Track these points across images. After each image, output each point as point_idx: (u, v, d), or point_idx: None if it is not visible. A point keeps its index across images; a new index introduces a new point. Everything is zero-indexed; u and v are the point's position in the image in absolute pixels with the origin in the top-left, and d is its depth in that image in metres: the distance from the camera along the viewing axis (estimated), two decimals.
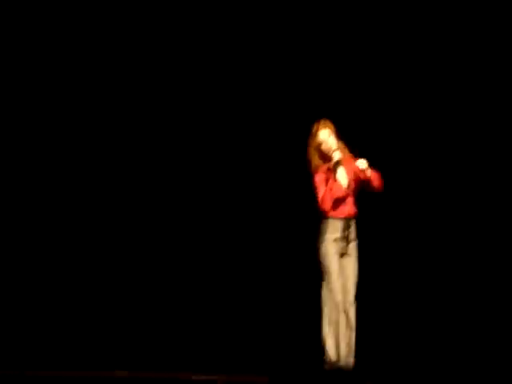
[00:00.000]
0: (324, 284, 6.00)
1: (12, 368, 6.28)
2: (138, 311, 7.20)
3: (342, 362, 5.88)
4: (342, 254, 6.05)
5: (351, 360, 5.86)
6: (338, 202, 6.04)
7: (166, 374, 6.29)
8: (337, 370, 5.82)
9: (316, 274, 6.03)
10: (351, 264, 6.05)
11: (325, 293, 5.98)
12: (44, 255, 7.26)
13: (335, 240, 6.01)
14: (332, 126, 6.09)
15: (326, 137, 6.06)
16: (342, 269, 6.02)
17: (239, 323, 7.08)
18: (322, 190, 6.04)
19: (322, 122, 6.11)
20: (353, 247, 6.05)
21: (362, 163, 6.00)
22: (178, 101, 7.43)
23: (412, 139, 7.29)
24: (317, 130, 6.08)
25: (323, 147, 6.10)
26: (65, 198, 7.34)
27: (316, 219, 6.06)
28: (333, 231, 6.01)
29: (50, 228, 7.29)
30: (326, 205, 6.01)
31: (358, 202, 6.13)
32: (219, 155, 7.37)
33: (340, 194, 6.03)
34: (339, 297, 5.96)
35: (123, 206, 7.35)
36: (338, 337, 5.92)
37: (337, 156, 6.05)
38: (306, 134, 6.08)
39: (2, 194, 7.33)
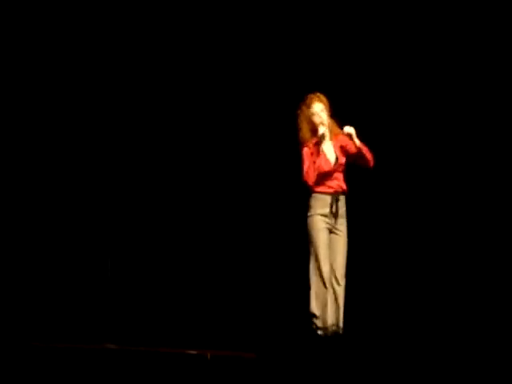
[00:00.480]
0: (312, 258, 6.02)
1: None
2: (130, 287, 7.25)
3: (329, 332, 5.90)
4: (331, 231, 6.06)
5: (337, 328, 5.90)
6: (324, 177, 6.05)
7: (157, 348, 6.31)
8: (324, 340, 5.85)
9: (304, 248, 6.06)
10: (340, 242, 6.07)
11: (312, 266, 6.00)
12: (40, 230, 7.32)
13: (323, 215, 6.02)
14: (327, 102, 6.12)
15: (319, 110, 6.09)
16: (331, 246, 6.06)
17: (229, 299, 7.12)
18: (306, 164, 6.05)
19: (318, 94, 6.13)
20: (342, 224, 6.07)
21: (349, 128, 6.00)
22: (171, 92, 7.50)
23: (406, 122, 7.33)
24: (311, 102, 6.11)
25: (314, 119, 6.10)
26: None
27: (305, 194, 6.08)
28: (321, 206, 6.02)
29: (55, 206, 7.37)
30: (310, 179, 6.02)
31: (351, 180, 6.18)
32: (208, 134, 7.43)
33: (325, 168, 6.03)
34: (326, 269, 5.97)
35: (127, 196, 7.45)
36: (326, 310, 5.96)
37: (322, 130, 6.04)
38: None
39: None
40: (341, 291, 6.03)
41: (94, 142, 7.44)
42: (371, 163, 6.12)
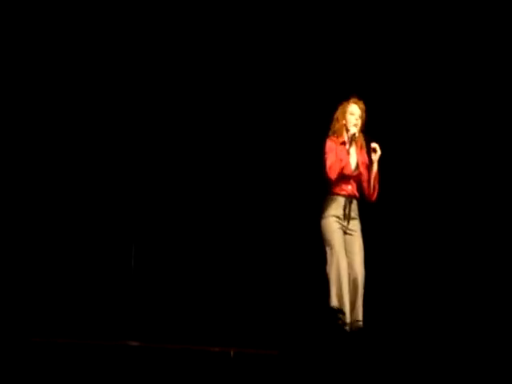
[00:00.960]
0: (328, 257, 6.05)
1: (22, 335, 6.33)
2: (153, 284, 7.25)
3: (352, 328, 5.90)
4: (345, 233, 6.08)
5: (359, 324, 5.89)
6: (342, 180, 6.07)
7: (179, 345, 6.30)
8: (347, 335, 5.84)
9: (320, 252, 6.07)
10: (356, 241, 6.12)
11: (330, 266, 6.02)
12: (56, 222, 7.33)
13: (337, 216, 6.05)
14: (365, 112, 6.19)
15: (357, 113, 6.16)
16: (346, 247, 6.10)
17: (251, 297, 7.11)
18: (331, 158, 6.09)
19: (362, 101, 6.20)
20: (355, 225, 6.13)
21: (376, 145, 6.10)
22: (177, 96, 7.49)
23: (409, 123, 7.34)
24: (354, 102, 6.18)
25: (350, 118, 6.16)
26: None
27: (320, 195, 6.09)
28: (335, 208, 6.08)
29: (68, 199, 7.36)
30: (333, 173, 6.05)
31: None
32: (216, 132, 7.44)
33: (346, 171, 6.05)
34: (344, 266, 5.99)
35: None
36: (346, 307, 5.96)
37: (353, 130, 6.10)
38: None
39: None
40: (361, 289, 6.05)
41: (91, 140, 7.44)
42: (374, 197, 6.21)
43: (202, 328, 6.74)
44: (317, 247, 6.21)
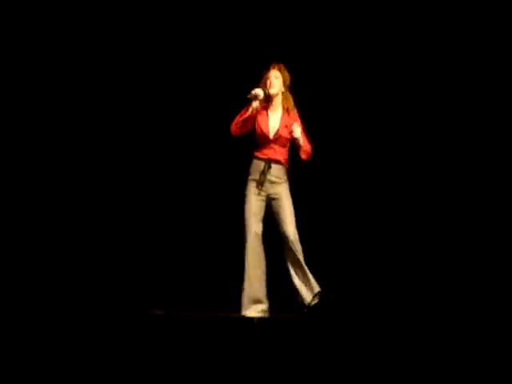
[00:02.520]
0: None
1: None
2: (178, 255, 7.33)
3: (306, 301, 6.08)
4: (269, 197, 6.14)
5: (312, 295, 6.06)
6: (263, 143, 6.21)
7: (204, 313, 6.38)
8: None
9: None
10: (282, 203, 6.19)
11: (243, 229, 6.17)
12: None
13: (255, 180, 6.15)
14: (285, 74, 6.29)
15: (273, 76, 6.25)
16: (274, 210, 6.20)
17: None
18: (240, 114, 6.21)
19: (279, 64, 6.30)
20: (278, 188, 6.19)
21: (296, 131, 6.17)
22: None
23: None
24: (272, 68, 6.28)
25: (267, 82, 6.26)
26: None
27: None
28: (253, 172, 6.20)
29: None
30: (232, 127, 6.21)
31: None
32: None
33: (265, 133, 6.18)
34: (252, 228, 6.14)
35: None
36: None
37: (256, 90, 6.17)
38: None
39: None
40: (298, 249, 6.17)
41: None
42: (303, 156, 6.25)
43: (225, 294, 6.73)
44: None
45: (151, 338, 5.20)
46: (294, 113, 6.31)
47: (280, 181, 6.22)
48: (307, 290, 6.13)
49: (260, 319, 6.02)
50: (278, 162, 6.22)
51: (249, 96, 6.16)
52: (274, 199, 6.22)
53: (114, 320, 5.48)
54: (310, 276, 6.14)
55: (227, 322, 5.68)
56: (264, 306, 6.16)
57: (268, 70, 6.29)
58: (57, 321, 5.41)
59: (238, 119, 6.19)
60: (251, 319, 6.03)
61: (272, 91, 6.24)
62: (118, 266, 7.31)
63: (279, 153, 6.24)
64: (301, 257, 6.15)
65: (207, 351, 5.10)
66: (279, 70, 6.28)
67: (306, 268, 6.14)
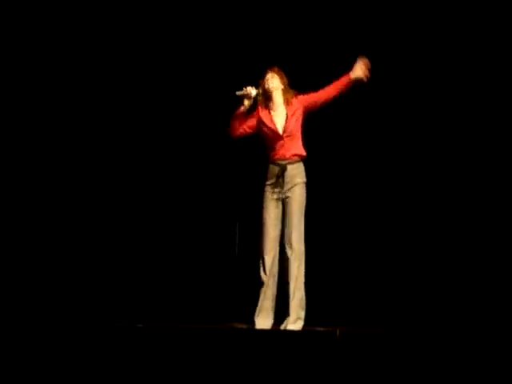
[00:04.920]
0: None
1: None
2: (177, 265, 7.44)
3: None
4: (283, 201, 6.05)
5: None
6: (273, 144, 6.15)
7: (202, 325, 6.34)
8: None
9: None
10: (290, 206, 6.08)
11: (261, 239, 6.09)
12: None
13: (270, 185, 6.09)
14: (279, 73, 6.30)
15: (269, 77, 6.24)
16: (284, 215, 6.10)
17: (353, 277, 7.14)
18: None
19: (274, 68, 6.32)
20: (290, 189, 6.08)
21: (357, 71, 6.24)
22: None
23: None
24: (264, 73, 6.29)
25: (265, 85, 6.25)
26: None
27: None
28: (269, 177, 6.13)
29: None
30: (229, 130, 6.21)
31: None
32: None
33: (273, 134, 6.13)
34: (271, 235, 6.07)
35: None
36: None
37: (248, 88, 6.19)
38: None
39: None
40: (295, 245, 6.07)
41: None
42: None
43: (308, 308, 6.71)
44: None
45: (152, 350, 5.21)
46: (296, 98, 6.27)
47: (296, 181, 6.13)
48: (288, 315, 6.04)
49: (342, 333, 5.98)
50: (293, 160, 6.14)
51: (238, 93, 6.17)
52: (287, 203, 6.12)
53: (106, 332, 5.47)
54: (295, 304, 6.04)
55: (309, 337, 5.63)
56: (271, 317, 6.09)
57: (263, 76, 6.30)
58: (50, 331, 5.44)
59: (230, 120, 6.23)
60: (333, 333, 5.98)
61: (271, 85, 6.23)
62: (117, 273, 7.43)
63: (293, 147, 6.17)
64: (295, 276, 6.06)
65: (207, 363, 5.11)
66: (274, 71, 6.30)
67: (296, 293, 6.05)
